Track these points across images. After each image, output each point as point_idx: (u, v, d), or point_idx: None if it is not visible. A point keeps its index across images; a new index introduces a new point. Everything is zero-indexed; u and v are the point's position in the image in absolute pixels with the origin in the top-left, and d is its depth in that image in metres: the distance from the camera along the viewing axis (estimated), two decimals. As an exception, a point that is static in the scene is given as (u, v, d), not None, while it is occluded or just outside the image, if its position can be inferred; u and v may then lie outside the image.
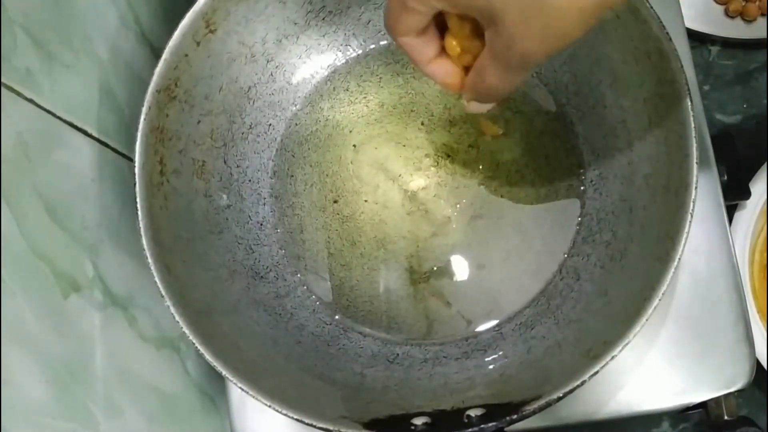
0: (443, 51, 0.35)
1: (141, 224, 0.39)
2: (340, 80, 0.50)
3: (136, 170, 0.40)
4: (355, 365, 0.44)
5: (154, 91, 0.41)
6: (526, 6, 0.29)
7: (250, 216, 0.47)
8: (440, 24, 0.35)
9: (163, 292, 0.38)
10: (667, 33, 0.40)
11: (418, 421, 0.37)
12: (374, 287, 0.47)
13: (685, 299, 0.45)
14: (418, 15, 0.33)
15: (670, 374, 0.45)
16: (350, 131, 0.49)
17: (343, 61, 0.50)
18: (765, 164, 0.58)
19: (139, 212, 0.39)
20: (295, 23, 0.47)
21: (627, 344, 0.36)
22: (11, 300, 0.34)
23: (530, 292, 0.45)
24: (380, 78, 0.50)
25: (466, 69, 0.36)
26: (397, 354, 0.45)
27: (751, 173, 0.58)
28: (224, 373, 0.37)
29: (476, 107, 0.37)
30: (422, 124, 0.49)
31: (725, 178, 0.49)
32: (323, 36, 0.49)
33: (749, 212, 0.57)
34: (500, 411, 0.36)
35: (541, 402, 0.36)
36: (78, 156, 0.42)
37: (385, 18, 0.34)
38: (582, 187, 0.47)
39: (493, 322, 0.45)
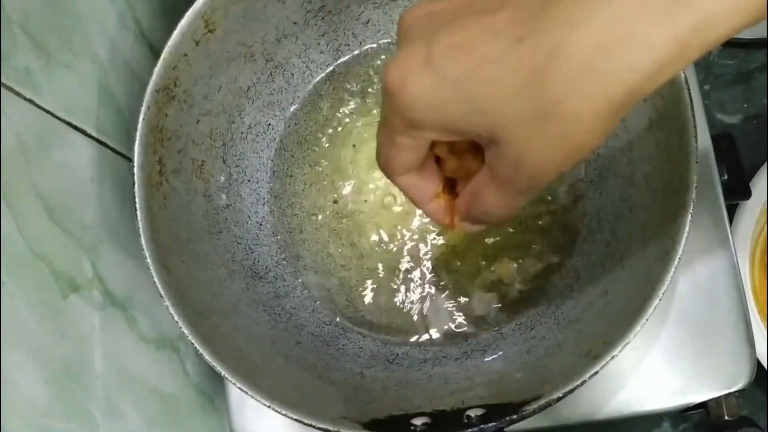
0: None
1: (140, 224, 0.39)
2: (340, 80, 0.50)
3: (135, 170, 0.40)
4: (355, 365, 0.44)
5: (153, 91, 0.41)
6: (531, 118, 0.24)
7: (249, 216, 0.47)
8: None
9: (162, 293, 0.38)
10: (667, 32, 0.39)
11: (418, 422, 0.37)
12: (374, 287, 0.47)
13: (685, 299, 0.45)
14: (412, 150, 0.28)
15: (671, 374, 0.45)
16: (350, 131, 0.49)
17: (343, 60, 0.50)
18: (765, 164, 0.58)
19: (138, 212, 0.39)
20: (295, 23, 0.47)
21: (627, 344, 0.36)
22: (11, 300, 0.34)
23: (530, 292, 0.45)
24: (380, 77, 0.50)
25: (450, 180, 0.32)
26: (397, 354, 0.45)
27: (751, 173, 0.58)
28: (223, 373, 0.37)
29: (469, 227, 0.32)
30: (422, 123, 0.49)
31: (725, 177, 0.49)
32: (322, 35, 0.49)
33: (750, 212, 0.57)
34: (500, 411, 0.36)
35: (541, 402, 0.36)
36: (77, 156, 0.42)
37: (377, 158, 0.30)
38: (582, 187, 0.47)
39: (493, 323, 0.45)
